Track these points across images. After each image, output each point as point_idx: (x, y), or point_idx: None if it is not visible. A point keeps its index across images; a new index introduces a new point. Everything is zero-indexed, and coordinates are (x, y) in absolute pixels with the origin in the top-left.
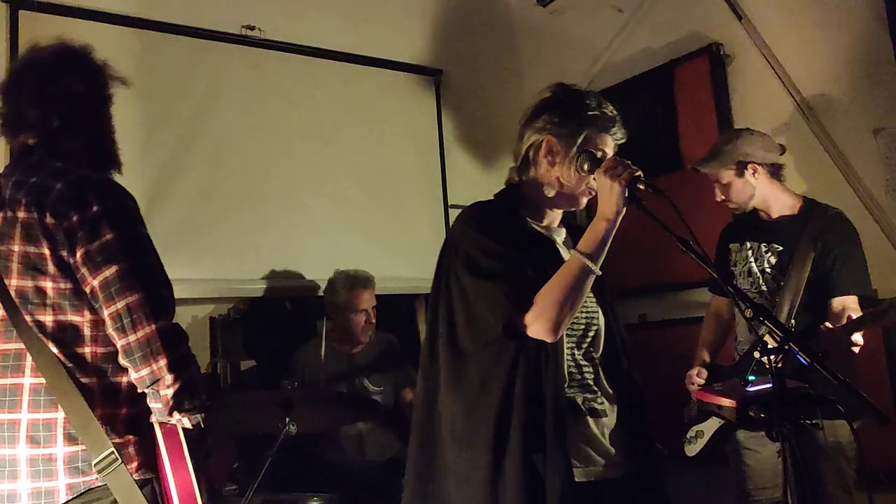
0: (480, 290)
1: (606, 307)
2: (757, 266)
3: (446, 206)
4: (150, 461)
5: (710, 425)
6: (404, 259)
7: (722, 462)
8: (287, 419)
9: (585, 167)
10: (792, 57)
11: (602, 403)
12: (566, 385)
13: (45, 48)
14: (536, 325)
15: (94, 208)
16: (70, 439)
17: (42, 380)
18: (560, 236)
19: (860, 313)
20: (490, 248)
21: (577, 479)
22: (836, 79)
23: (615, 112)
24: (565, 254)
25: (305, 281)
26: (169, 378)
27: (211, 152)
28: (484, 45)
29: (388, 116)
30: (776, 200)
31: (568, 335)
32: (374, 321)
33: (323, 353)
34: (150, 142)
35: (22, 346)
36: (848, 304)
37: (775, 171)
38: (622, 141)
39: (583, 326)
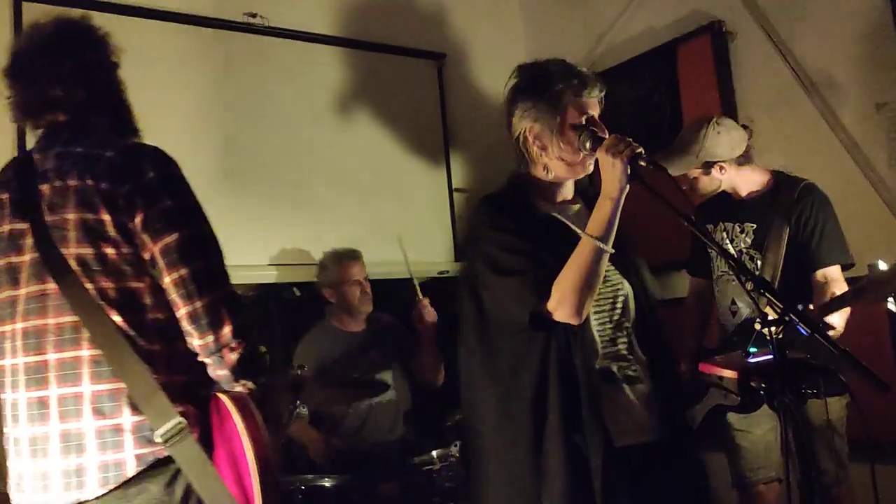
0: (504, 287)
1: (632, 275)
2: (733, 247)
3: (451, 190)
4: (206, 434)
5: (700, 409)
6: (410, 243)
7: (711, 447)
8: (297, 402)
9: (587, 146)
10: (794, 33)
11: (637, 370)
12: (600, 356)
13: (47, 24)
14: (560, 311)
15: (150, 174)
16: (135, 408)
17: (100, 351)
18: (573, 211)
19: (843, 283)
20: (507, 244)
21: (616, 445)
22: (839, 54)
23: (584, 70)
24: (581, 231)
25: (312, 266)
26: (234, 344)
27: (217, 141)
28: (486, 29)
29: (392, 101)
30: (744, 181)
31: (595, 311)
32: (369, 292)
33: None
34: (156, 132)
35: (77, 318)
36: (831, 275)
37: (744, 159)
38: (602, 93)
39: (609, 299)
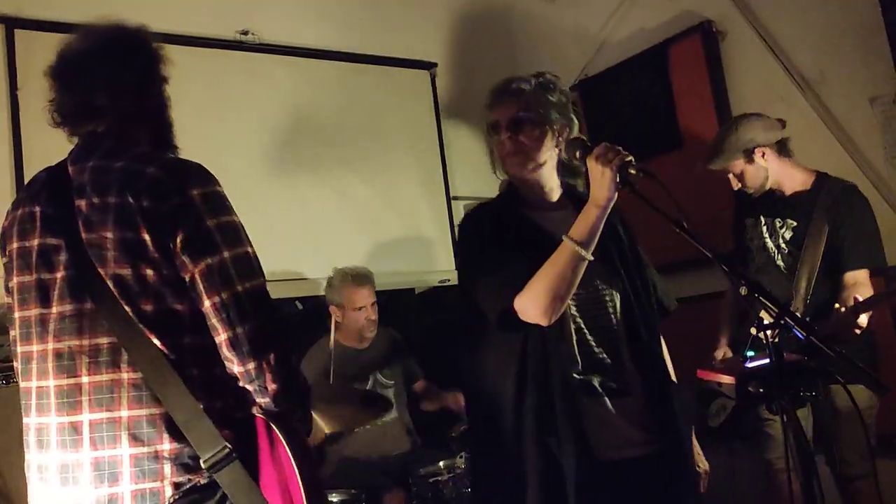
0: (478, 288)
1: (621, 284)
2: (772, 241)
3: (449, 199)
4: (247, 459)
5: (719, 403)
6: (409, 253)
7: (743, 435)
8: None
9: (577, 155)
10: (784, 30)
11: (623, 382)
12: (580, 367)
13: (104, 29)
14: (528, 311)
15: (192, 192)
16: (175, 435)
17: (140, 374)
18: (560, 216)
19: (869, 288)
20: (479, 248)
21: (598, 459)
22: (830, 49)
23: (505, 81)
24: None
25: (313, 280)
26: (277, 372)
27: (212, 158)
28: (477, 35)
29: (386, 112)
30: (789, 178)
31: (576, 317)
32: (375, 318)
33: (332, 348)
34: None
35: (115, 339)
36: (859, 279)
37: (782, 149)
38: (514, 91)
39: (594, 307)
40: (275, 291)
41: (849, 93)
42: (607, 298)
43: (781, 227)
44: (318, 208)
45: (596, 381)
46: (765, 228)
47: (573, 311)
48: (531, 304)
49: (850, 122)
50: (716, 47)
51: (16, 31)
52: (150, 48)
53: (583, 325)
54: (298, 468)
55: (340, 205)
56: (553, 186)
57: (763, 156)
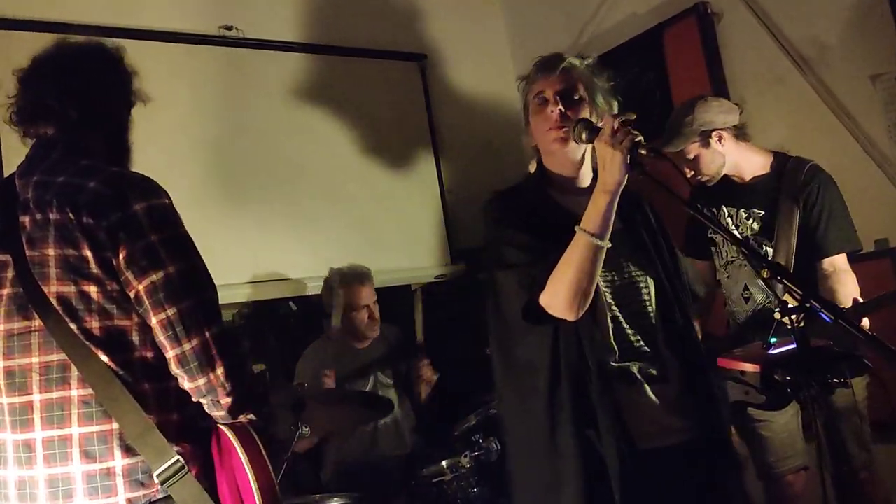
0: (505, 281)
1: (654, 270)
2: (739, 233)
3: (442, 192)
4: (206, 469)
5: None
6: (404, 249)
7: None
8: (299, 422)
9: (583, 137)
10: (781, 9)
11: (660, 369)
12: (617, 355)
13: (74, 43)
14: (553, 307)
15: (135, 207)
16: (127, 450)
17: (90, 391)
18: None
19: (850, 274)
20: (510, 239)
21: (640, 448)
22: (829, 27)
23: (555, 54)
24: None
25: (306, 279)
26: (228, 386)
27: (200, 158)
28: (466, 26)
29: (376, 106)
30: (747, 162)
31: (612, 305)
32: (377, 316)
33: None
34: (137, 153)
35: (65, 357)
36: (838, 265)
37: (740, 133)
38: (562, 67)
39: (629, 294)
40: (268, 292)
41: (849, 71)
42: (642, 285)
43: (748, 218)
44: (308, 206)
45: (634, 369)
46: (729, 220)
47: (608, 298)
48: (555, 301)
49: (851, 101)
50: (711, 29)
51: None
52: (118, 69)
53: (618, 313)
54: (255, 476)
55: (332, 202)
56: (586, 171)
57: (720, 140)
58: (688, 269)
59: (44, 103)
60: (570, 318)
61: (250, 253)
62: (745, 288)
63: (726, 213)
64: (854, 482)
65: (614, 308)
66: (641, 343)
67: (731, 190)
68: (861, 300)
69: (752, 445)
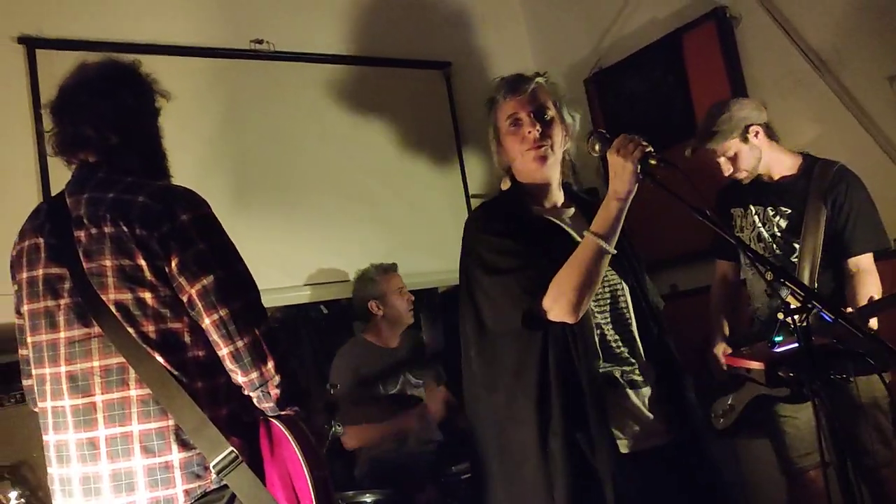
0: (497, 286)
1: (629, 277)
2: (767, 231)
3: (468, 197)
4: (253, 461)
5: (742, 398)
6: (431, 253)
7: (752, 432)
8: (332, 421)
9: (596, 148)
10: (799, 12)
11: (640, 374)
12: (601, 360)
13: (94, 65)
14: (556, 309)
15: (183, 217)
16: (183, 445)
17: (148, 390)
18: (568, 214)
19: (875, 274)
20: (498, 246)
21: (622, 451)
22: (846, 29)
23: (518, 74)
24: (575, 233)
25: (338, 283)
26: (278, 378)
27: (233, 168)
28: (490, 33)
29: (402, 113)
30: (777, 161)
31: (595, 312)
32: (412, 303)
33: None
34: (174, 164)
35: (122, 359)
36: (863, 265)
37: (770, 132)
38: (532, 87)
39: (608, 300)
40: (299, 297)
41: (867, 72)
42: (619, 292)
43: (775, 216)
44: (337, 211)
45: (617, 373)
46: (756, 218)
47: (592, 305)
48: (558, 303)
49: (869, 102)
50: (730, 33)
51: (37, 51)
52: (137, 81)
53: (601, 319)
54: (308, 466)
55: (360, 207)
56: (558, 185)
57: (757, 135)
58: (650, 286)
59: (81, 134)
60: (571, 320)
61: (284, 258)
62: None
63: (753, 212)
64: (875, 479)
65: (597, 314)
66: (623, 348)
67: (759, 189)
68: (876, 299)
69: (775, 441)
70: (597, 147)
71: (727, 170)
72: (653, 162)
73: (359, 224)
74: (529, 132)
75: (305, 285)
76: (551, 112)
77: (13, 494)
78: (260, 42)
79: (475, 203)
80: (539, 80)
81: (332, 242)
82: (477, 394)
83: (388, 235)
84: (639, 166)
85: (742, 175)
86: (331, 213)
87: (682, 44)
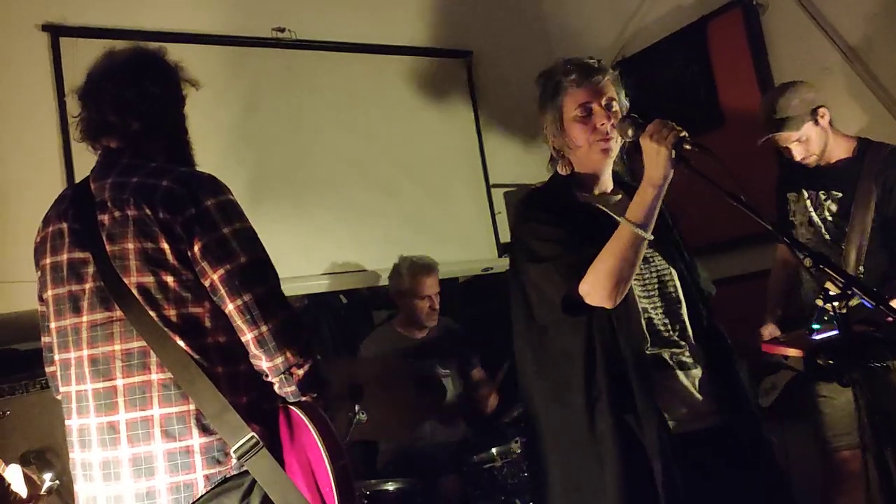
0: (539, 273)
1: (678, 263)
2: (817, 215)
3: (488, 187)
4: (273, 448)
5: (782, 377)
6: (452, 242)
7: (797, 413)
8: (357, 407)
9: (629, 133)
10: None
11: (690, 356)
12: (649, 343)
13: (121, 52)
14: (593, 294)
15: (206, 202)
16: (204, 429)
17: (169, 375)
18: (614, 201)
19: None
20: (542, 234)
21: (674, 432)
22: (875, 17)
23: (587, 61)
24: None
25: (357, 272)
26: (301, 363)
27: (255, 156)
28: (511, 22)
29: (423, 103)
30: (836, 144)
31: (642, 296)
32: (437, 307)
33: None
34: (195, 151)
35: (144, 343)
36: None
37: (829, 116)
38: (605, 78)
39: (655, 285)
40: (319, 286)
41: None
42: (667, 276)
43: (826, 200)
44: (357, 201)
45: (666, 356)
46: (809, 202)
47: (639, 290)
48: (595, 288)
49: None
50: (757, 21)
51: (60, 38)
52: (161, 69)
53: (648, 304)
54: (328, 452)
55: (381, 196)
56: (609, 173)
57: (824, 117)
58: (701, 272)
59: (105, 120)
60: (609, 305)
61: (305, 247)
62: None
63: (805, 196)
64: None
65: (643, 299)
66: (671, 331)
67: (813, 172)
68: None
69: (813, 419)
70: (629, 132)
71: (800, 154)
72: (687, 147)
73: (379, 213)
74: (602, 124)
75: (324, 274)
76: (617, 105)
77: (48, 476)
78: (282, 30)
79: (496, 193)
80: (609, 69)
81: (352, 231)
82: (529, 379)
83: (407, 225)
84: (673, 151)
85: (812, 159)
86: (351, 201)
87: (706, 32)
